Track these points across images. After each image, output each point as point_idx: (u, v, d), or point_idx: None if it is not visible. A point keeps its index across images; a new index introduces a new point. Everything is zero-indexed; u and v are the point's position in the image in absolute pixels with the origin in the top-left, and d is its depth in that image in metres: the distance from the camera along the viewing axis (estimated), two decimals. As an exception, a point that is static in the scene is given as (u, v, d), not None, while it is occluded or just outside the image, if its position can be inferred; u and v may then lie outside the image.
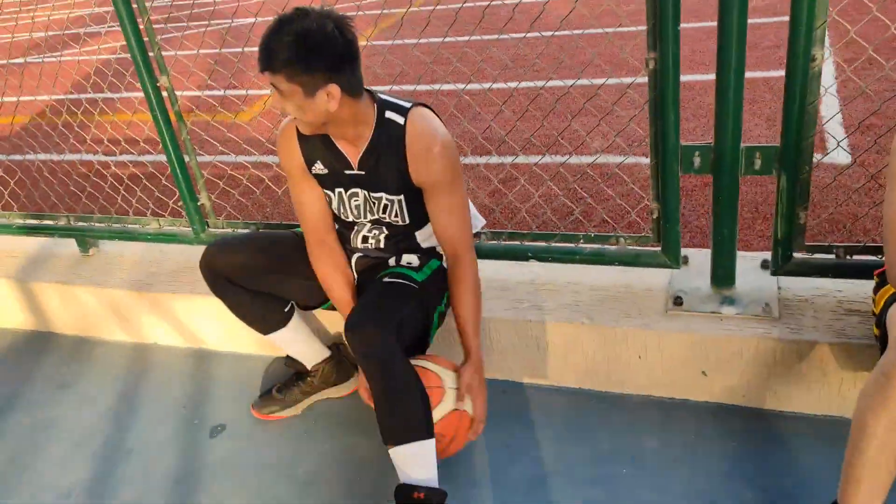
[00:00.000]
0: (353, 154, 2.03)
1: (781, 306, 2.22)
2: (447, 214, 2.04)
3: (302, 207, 2.18)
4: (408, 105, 1.98)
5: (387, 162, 1.99)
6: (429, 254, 2.21)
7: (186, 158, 2.82)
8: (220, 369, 2.80)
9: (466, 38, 2.82)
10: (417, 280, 2.11)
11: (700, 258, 2.45)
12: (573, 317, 2.34)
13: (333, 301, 2.23)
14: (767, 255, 2.40)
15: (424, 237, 2.18)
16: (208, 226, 2.95)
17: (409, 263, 2.18)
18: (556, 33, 2.99)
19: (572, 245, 2.47)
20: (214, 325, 2.85)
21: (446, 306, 2.21)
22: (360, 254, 2.24)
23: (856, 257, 2.19)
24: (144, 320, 2.96)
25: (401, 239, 2.17)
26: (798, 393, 2.17)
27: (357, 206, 2.12)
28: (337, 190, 2.11)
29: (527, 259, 2.52)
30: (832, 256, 2.22)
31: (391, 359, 1.87)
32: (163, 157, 3.14)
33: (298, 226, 2.33)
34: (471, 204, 2.27)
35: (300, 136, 2.05)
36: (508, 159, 3.84)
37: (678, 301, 2.29)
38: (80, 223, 3.18)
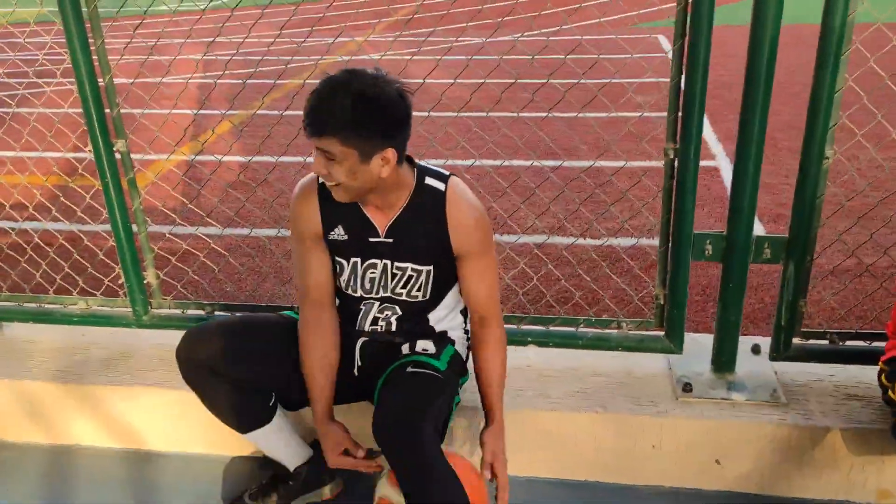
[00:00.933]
0: (381, 221, 1.90)
1: (785, 392, 2.26)
2: (481, 280, 1.97)
3: (306, 273, 1.99)
4: (447, 173, 1.93)
5: (422, 229, 1.89)
6: (443, 339, 2.07)
7: (134, 228, 2.49)
8: (166, 474, 2.42)
9: (483, 113, 2.75)
10: (441, 370, 1.97)
11: (695, 342, 2.46)
12: (584, 405, 2.25)
13: (309, 384, 2.00)
14: (756, 339, 2.46)
15: (437, 318, 2.04)
16: (151, 306, 2.60)
17: (426, 350, 2.03)
18: (579, 115, 3.02)
19: (573, 329, 2.41)
20: (159, 422, 2.48)
21: (459, 391, 2.09)
22: (367, 338, 2.05)
23: (848, 343, 2.29)
24: (68, 417, 2.52)
25: (415, 322, 2.02)
26: (809, 479, 2.19)
27: (371, 279, 1.96)
28: (353, 259, 1.95)
29: (525, 344, 2.42)
30: (826, 342, 2.30)
31: (434, 457, 1.73)
32: (97, 228, 2.76)
33: (272, 308, 2.15)
34: None
35: (322, 199, 1.91)
36: (509, 238, 3.76)
37: (687, 387, 2.27)
38: (-19, 302, 2.71)
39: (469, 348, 2.11)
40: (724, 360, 2.33)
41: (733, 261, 2.19)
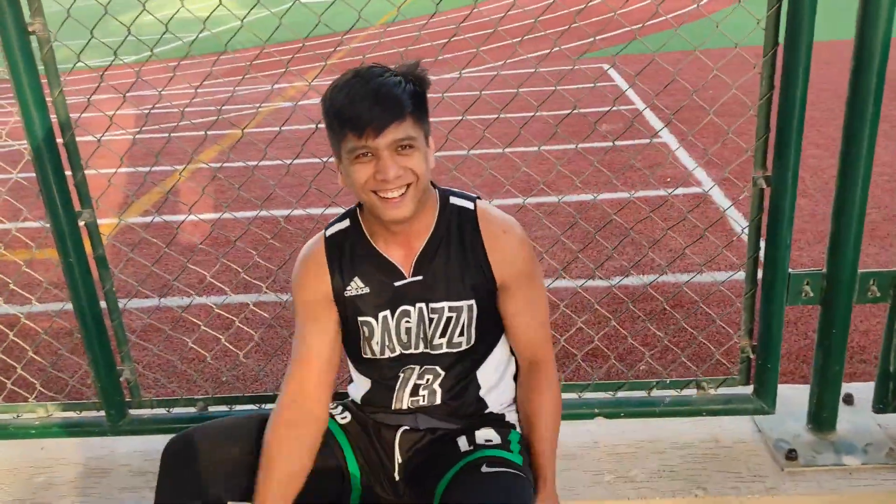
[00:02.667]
0: (404, 258, 1.58)
1: (899, 448, 1.96)
2: (529, 312, 1.63)
3: (307, 345, 1.60)
4: (472, 194, 1.65)
5: (456, 257, 1.57)
6: (503, 423, 1.68)
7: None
8: None
9: (501, 150, 2.36)
10: (518, 464, 1.57)
11: (781, 398, 2.13)
12: (678, 488, 1.89)
13: (256, 490, 1.53)
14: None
15: (489, 385, 1.65)
16: (129, 408, 2.12)
17: (490, 441, 1.62)
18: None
19: (645, 394, 2.06)
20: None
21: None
22: (408, 426, 1.65)
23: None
24: (31, 559, 2.00)
25: (461, 389, 1.63)
26: (945, 550, 1.88)
27: (408, 331, 1.59)
28: (381, 314, 1.58)
29: (591, 417, 2.05)
30: (930, 386, 2.02)
31: None
32: (43, 308, 2.26)
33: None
34: None
35: (330, 255, 1.60)
36: (562, 284, 3.31)
37: (791, 455, 1.94)
38: None
39: None
40: (825, 416, 2.01)
41: (836, 302, 1.89)
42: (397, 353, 1.60)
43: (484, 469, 1.53)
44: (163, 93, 1.97)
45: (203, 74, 8.67)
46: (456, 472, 1.55)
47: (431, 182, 1.58)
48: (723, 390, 2.06)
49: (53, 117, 1.84)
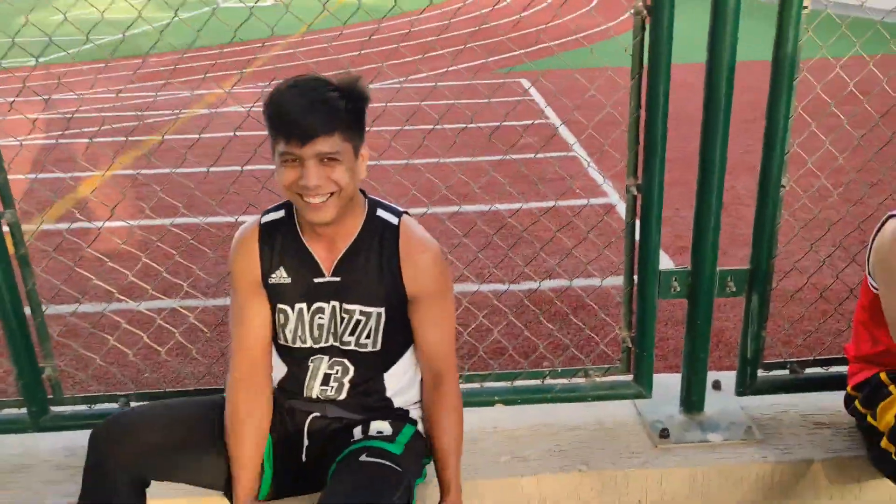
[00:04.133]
0: (327, 258, 1.72)
1: (758, 427, 2.23)
2: (436, 326, 1.78)
3: (241, 324, 1.76)
4: (400, 208, 1.78)
5: (373, 266, 1.71)
6: (402, 418, 1.85)
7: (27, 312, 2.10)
8: None
9: (436, 160, 2.54)
10: (396, 454, 1.74)
11: (657, 384, 2.38)
12: (567, 464, 2.11)
13: (234, 454, 1.73)
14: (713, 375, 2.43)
15: (395, 387, 1.83)
16: (51, 405, 2.19)
17: (381, 433, 1.80)
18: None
19: (539, 382, 2.28)
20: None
21: (424, 475, 1.89)
22: (317, 413, 1.81)
23: (808, 371, 2.30)
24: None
25: (368, 388, 1.80)
26: (793, 513, 2.16)
27: (320, 326, 1.74)
28: (297, 306, 1.74)
29: (492, 404, 2.25)
30: (787, 372, 2.31)
31: None
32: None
33: (201, 392, 1.95)
34: None
35: (263, 241, 1.74)
36: (468, 287, 3.50)
37: (664, 433, 2.19)
38: None
39: None
40: (694, 399, 2.27)
41: (700, 297, 2.15)
42: (308, 344, 1.75)
43: (362, 458, 1.69)
44: (80, 96, 2.06)
45: (115, 78, 8.54)
46: (341, 458, 1.72)
47: (362, 191, 1.72)
48: (607, 378, 2.30)
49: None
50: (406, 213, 1.79)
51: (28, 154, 2.50)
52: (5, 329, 2.06)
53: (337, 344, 1.75)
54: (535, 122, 5.93)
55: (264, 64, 9.81)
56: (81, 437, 2.21)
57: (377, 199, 1.78)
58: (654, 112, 1.92)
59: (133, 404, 2.21)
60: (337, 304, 1.73)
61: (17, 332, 2.07)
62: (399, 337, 1.79)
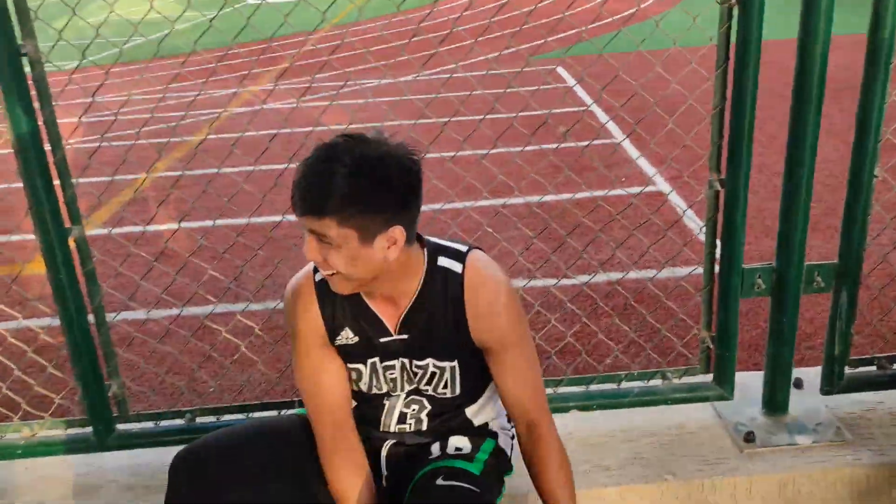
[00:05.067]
0: (390, 316, 1.60)
1: (847, 427, 2.13)
2: (518, 375, 1.63)
3: (318, 389, 1.64)
4: (464, 249, 1.62)
5: (439, 321, 1.59)
6: (481, 433, 1.76)
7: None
8: None
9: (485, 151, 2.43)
10: (475, 475, 1.64)
11: (737, 384, 2.29)
12: (650, 473, 2.02)
13: None
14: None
15: (475, 412, 1.74)
16: (117, 423, 2.16)
17: (459, 450, 1.71)
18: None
19: (615, 387, 2.19)
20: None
21: (504, 491, 1.78)
22: (393, 440, 1.74)
23: (897, 366, 2.19)
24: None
25: (447, 418, 1.72)
26: (890, 518, 2.06)
27: (393, 379, 1.66)
28: (370, 361, 1.64)
29: (567, 411, 2.18)
30: (874, 368, 2.20)
31: None
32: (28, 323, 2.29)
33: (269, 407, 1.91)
34: None
35: (321, 299, 1.60)
36: (535, 283, 3.37)
37: (749, 437, 2.10)
38: None
39: (514, 437, 1.83)
40: (778, 400, 2.17)
41: (786, 294, 2.05)
42: (384, 391, 1.67)
43: (438, 482, 1.59)
44: (105, 100, 2.01)
45: (139, 81, 8.53)
46: (416, 479, 1.64)
47: (419, 236, 1.58)
48: (685, 380, 2.21)
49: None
50: (473, 248, 1.65)
51: (71, 157, 2.45)
52: (71, 347, 2.03)
53: (412, 389, 1.67)
54: (582, 108, 5.81)
55: (310, 56, 9.75)
56: (148, 455, 2.21)
57: (439, 243, 1.62)
58: (741, 104, 1.82)
59: (199, 420, 2.18)
60: (407, 360, 1.63)
61: (84, 349, 2.04)
62: (479, 381, 1.70)
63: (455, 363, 1.62)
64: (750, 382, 2.29)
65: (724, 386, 2.16)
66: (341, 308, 1.60)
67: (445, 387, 1.65)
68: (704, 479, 2.00)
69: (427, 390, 1.66)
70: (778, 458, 2.05)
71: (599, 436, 2.18)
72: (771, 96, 6.56)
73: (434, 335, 1.59)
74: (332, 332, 1.61)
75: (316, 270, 1.61)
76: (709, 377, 2.20)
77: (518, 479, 1.89)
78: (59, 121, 1.91)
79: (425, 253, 1.59)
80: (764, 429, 2.14)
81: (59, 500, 2.10)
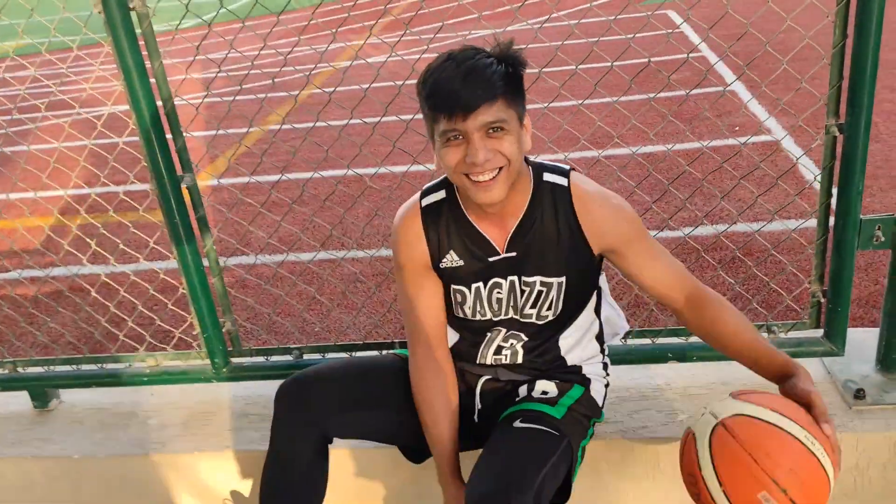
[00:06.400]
0: (498, 235, 1.63)
1: (970, 388, 2.00)
2: (653, 262, 1.65)
3: (417, 310, 1.71)
4: (565, 166, 1.66)
5: (550, 234, 1.61)
6: (571, 377, 1.77)
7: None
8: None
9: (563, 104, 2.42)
10: (556, 418, 1.66)
11: (849, 341, 2.18)
12: (750, 426, 1.97)
13: (431, 437, 1.73)
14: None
15: (569, 345, 1.75)
16: (231, 357, 2.30)
17: (545, 393, 1.74)
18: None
19: (716, 340, 2.13)
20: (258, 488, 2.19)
21: (590, 436, 1.80)
22: (489, 376, 1.78)
23: None
24: (157, 492, 2.22)
25: (543, 350, 1.74)
26: None
27: (499, 300, 1.68)
28: (475, 286, 1.67)
29: (665, 360, 2.14)
30: None
31: None
32: (147, 266, 2.45)
33: (371, 347, 1.97)
34: (613, 302, 1.88)
35: (427, 224, 1.66)
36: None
37: (860, 394, 2.00)
38: (35, 368, 2.40)
39: (608, 385, 1.85)
40: (894, 358, 2.06)
41: (908, 246, 1.92)
42: (487, 317, 1.70)
43: (516, 424, 1.63)
44: (229, 55, 2.08)
45: (252, 38, 8.77)
46: (500, 420, 1.69)
47: (526, 158, 1.61)
48: (793, 334, 2.12)
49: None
50: (573, 168, 1.68)
51: (188, 113, 2.57)
52: (189, 287, 2.16)
53: (517, 316, 1.69)
54: (690, 55, 5.55)
55: (406, 11, 9.77)
56: (259, 387, 2.36)
57: (541, 161, 1.67)
58: (864, 40, 1.69)
59: (305, 356, 2.29)
60: (515, 278, 1.65)
61: (200, 290, 2.17)
62: (578, 301, 1.71)
63: (563, 279, 1.64)
64: (863, 339, 2.18)
65: (834, 341, 2.07)
66: (446, 232, 1.64)
67: (549, 307, 1.66)
68: (809, 435, 1.93)
69: (531, 316, 1.68)
70: (890, 417, 1.95)
71: (699, 387, 2.15)
72: (904, 37, 6.03)
73: (544, 250, 1.62)
74: (438, 256, 1.66)
75: (423, 197, 1.67)
76: (818, 332, 2.10)
77: (607, 426, 1.90)
78: (170, 77, 2.00)
79: (531, 169, 1.62)
80: (877, 386, 2.04)
81: (183, 423, 2.28)
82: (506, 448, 1.60)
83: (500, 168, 1.48)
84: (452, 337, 1.78)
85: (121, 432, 2.28)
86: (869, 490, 1.98)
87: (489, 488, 1.47)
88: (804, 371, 1.54)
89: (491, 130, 1.45)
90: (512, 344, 1.73)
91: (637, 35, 2.29)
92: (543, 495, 1.52)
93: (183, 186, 2.08)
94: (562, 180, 1.62)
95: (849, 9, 1.75)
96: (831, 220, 1.98)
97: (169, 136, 2.05)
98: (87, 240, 2.59)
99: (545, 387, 1.75)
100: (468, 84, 1.41)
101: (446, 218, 1.64)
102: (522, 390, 1.75)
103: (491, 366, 1.76)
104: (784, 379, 1.55)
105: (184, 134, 2.09)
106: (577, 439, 1.70)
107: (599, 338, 1.83)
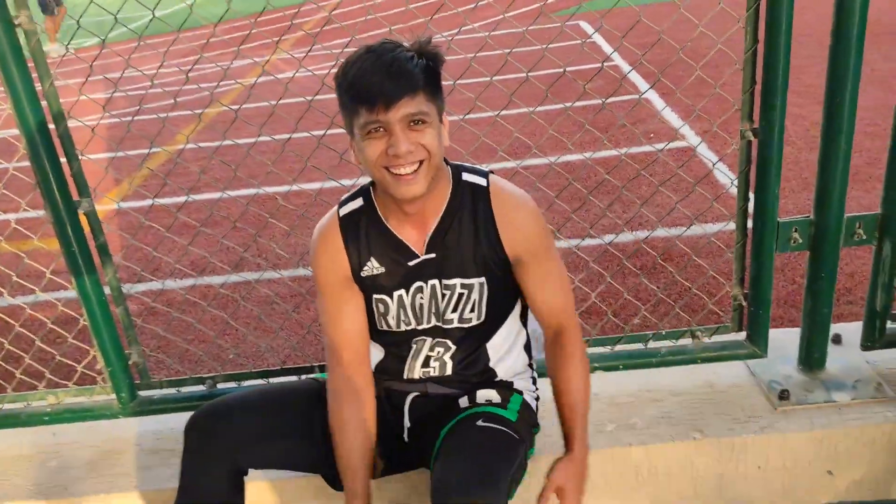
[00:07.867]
0: (417, 238, 1.60)
1: (889, 384, 2.05)
2: (547, 283, 1.65)
3: (339, 327, 1.64)
4: (484, 168, 1.65)
5: (468, 235, 1.59)
6: (507, 388, 1.73)
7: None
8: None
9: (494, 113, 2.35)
10: (512, 421, 1.65)
11: (771, 341, 2.21)
12: (678, 432, 1.96)
13: (342, 467, 1.65)
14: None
15: (498, 356, 1.71)
16: (138, 390, 2.15)
17: (490, 400, 1.70)
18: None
19: (642, 346, 2.13)
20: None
21: (534, 445, 1.78)
22: (417, 392, 1.72)
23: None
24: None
25: (472, 360, 1.69)
26: (931, 476, 1.98)
27: (421, 307, 1.63)
28: (396, 293, 1.62)
29: (592, 371, 2.11)
30: (913, 322, 2.10)
31: None
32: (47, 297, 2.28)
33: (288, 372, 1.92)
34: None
35: (346, 234, 1.62)
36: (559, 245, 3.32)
37: (784, 395, 2.02)
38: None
39: (537, 399, 1.82)
40: (815, 357, 2.09)
41: (825, 247, 1.95)
42: (412, 326, 1.65)
43: (479, 423, 1.60)
44: (125, 75, 1.94)
45: (156, 57, 8.48)
46: (453, 424, 1.63)
47: (444, 159, 1.58)
48: (716, 338, 2.13)
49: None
50: (492, 172, 1.66)
51: (84, 136, 2.40)
52: (90, 318, 2.01)
53: (439, 324, 1.64)
54: (604, 64, 5.65)
55: (311, 28, 9.65)
56: (171, 420, 2.21)
57: (459, 163, 1.65)
58: (775, 46, 1.71)
59: (220, 385, 2.16)
60: (436, 281, 1.61)
61: (102, 320, 2.02)
62: (502, 304, 1.68)
63: (483, 279, 1.61)
64: (785, 339, 2.21)
65: (757, 343, 2.09)
66: (366, 239, 1.60)
67: (472, 310, 1.63)
68: (735, 438, 1.94)
69: (452, 320, 1.63)
70: (814, 416, 1.98)
71: (626, 395, 2.13)
72: (808, 45, 6.37)
73: (462, 250, 1.59)
74: (358, 265, 1.61)
75: (340, 207, 1.62)
76: (741, 335, 2.12)
77: (544, 438, 1.86)
78: (64, 99, 1.86)
79: (450, 169, 1.61)
80: (800, 386, 2.07)
81: (87, 464, 2.11)
82: (472, 445, 1.55)
83: (422, 161, 1.44)
84: (377, 355, 1.71)
85: (22, 476, 2.09)
86: (798, 489, 2.00)
87: (466, 485, 1.42)
88: (573, 462, 1.61)
89: (413, 123, 1.42)
90: (440, 353, 1.67)
91: (551, 45, 2.27)
92: (507, 497, 1.49)
93: (80, 212, 1.93)
94: (481, 181, 1.61)
95: (759, 14, 1.77)
96: (749, 224, 2.01)
97: (63, 159, 1.90)
98: (-24, 272, 2.38)
99: (488, 395, 1.70)
100: (390, 76, 1.38)
101: (365, 225, 1.60)
102: (464, 401, 1.69)
103: (420, 380, 1.70)
104: (567, 452, 1.63)
105: (80, 157, 1.94)
106: (527, 448, 1.68)
107: (527, 348, 1.79)
